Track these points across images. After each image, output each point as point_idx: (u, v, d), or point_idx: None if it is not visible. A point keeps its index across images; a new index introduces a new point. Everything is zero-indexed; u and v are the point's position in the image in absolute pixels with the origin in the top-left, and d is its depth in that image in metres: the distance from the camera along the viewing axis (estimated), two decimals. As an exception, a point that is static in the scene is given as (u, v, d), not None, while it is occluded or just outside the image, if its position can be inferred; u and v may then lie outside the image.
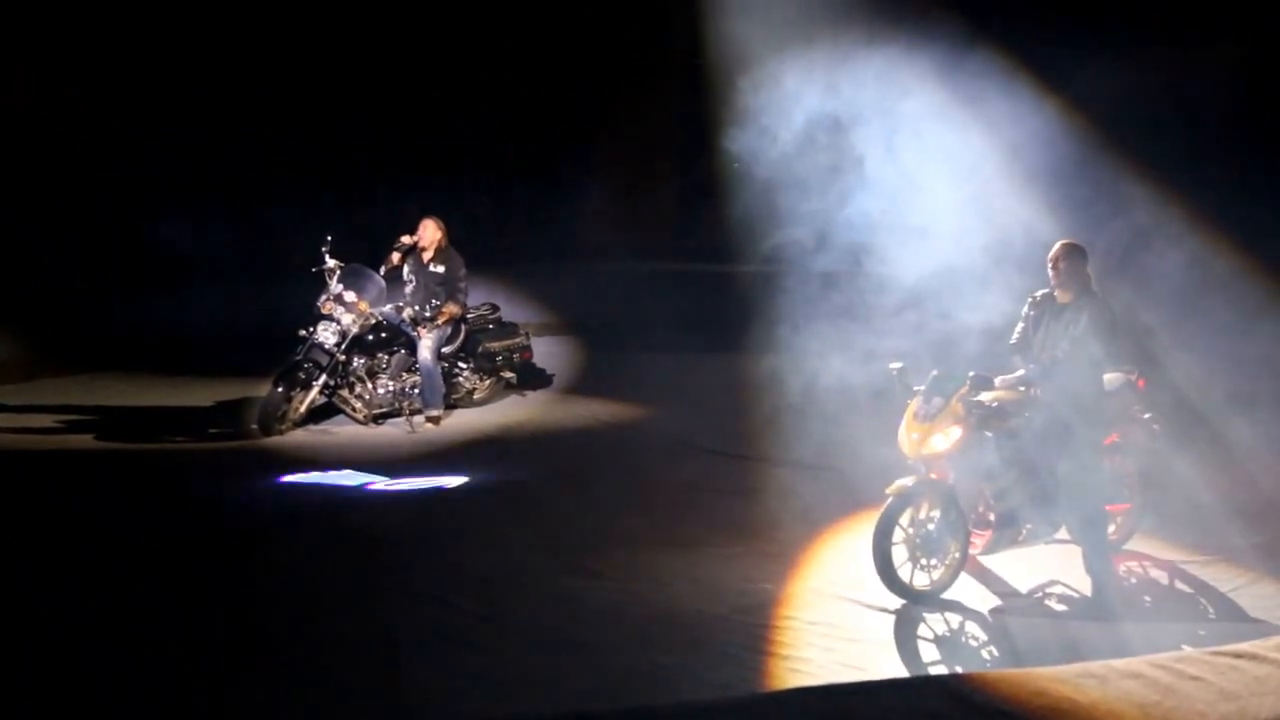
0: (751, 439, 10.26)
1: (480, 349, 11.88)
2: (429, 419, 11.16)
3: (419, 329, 11.23)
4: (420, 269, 11.42)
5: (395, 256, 11.39)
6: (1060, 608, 6.95)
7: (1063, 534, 7.31)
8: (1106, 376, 7.31)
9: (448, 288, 11.33)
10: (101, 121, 17.46)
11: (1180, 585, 7.26)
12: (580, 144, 21.87)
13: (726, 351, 13.56)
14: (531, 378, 12.68)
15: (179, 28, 18.37)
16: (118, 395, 12.36)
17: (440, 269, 11.38)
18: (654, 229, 21.19)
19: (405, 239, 11.43)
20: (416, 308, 11.24)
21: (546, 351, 13.65)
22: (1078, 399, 7.00)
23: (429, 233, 11.43)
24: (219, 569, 7.34)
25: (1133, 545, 7.68)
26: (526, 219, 21.93)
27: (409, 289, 11.45)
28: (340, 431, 10.91)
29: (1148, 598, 7.12)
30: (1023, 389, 7.17)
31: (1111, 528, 7.44)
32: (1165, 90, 13.88)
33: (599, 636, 6.33)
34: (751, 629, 6.45)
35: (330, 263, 11.24)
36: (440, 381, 11.26)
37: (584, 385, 12.95)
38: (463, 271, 11.44)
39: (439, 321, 11.24)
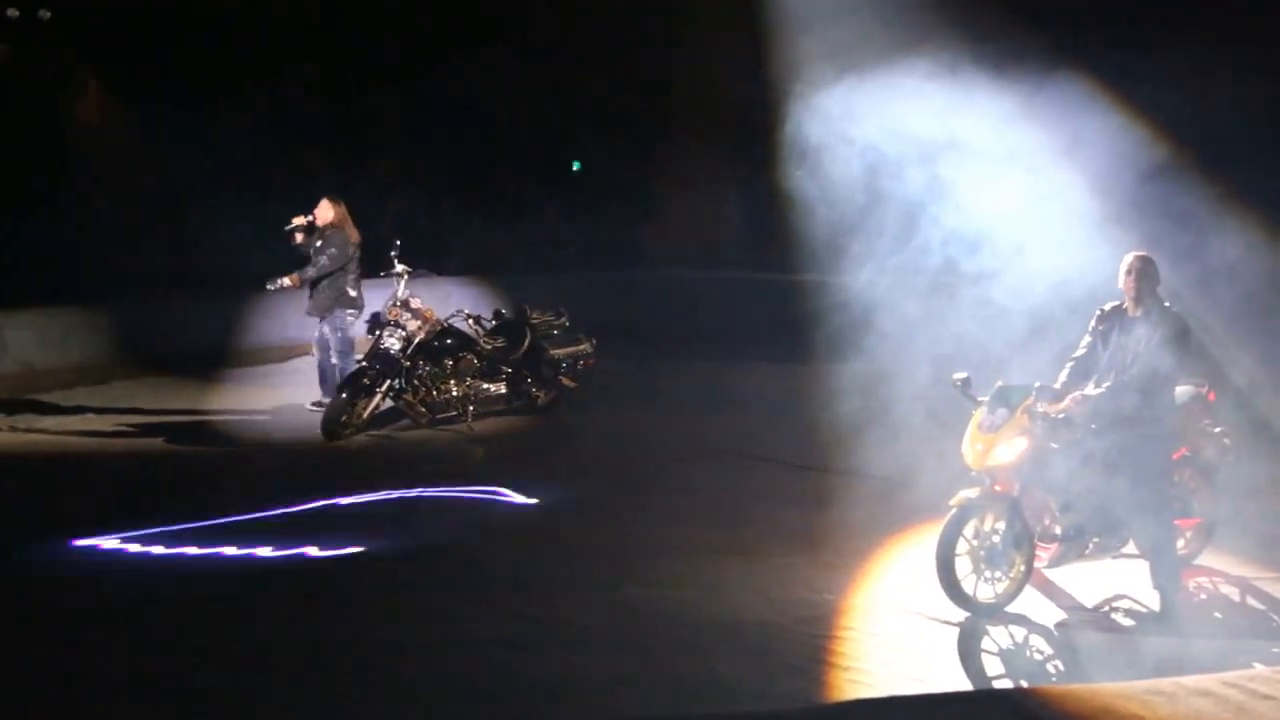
0: (814, 449, 10.21)
1: (545, 356, 11.91)
2: (316, 404, 11.56)
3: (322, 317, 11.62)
4: (312, 245, 11.67)
5: (298, 237, 11.69)
6: (1128, 623, 6.85)
7: (1130, 548, 7.20)
8: (1177, 389, 7.19)
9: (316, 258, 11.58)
10: (175, 128, 17.76)
11: (1252, 601, 7.13)
12: (643, 152, 21.95)
13: (790, 361, 13.51)
14: (595, 386, 12.69)
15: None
16: (186, 399, 12.55)
17: (319, 242, 11.62)
18: (718, 238, 21.18)
19: (297, 220, 11.70)
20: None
21: (609, 360, 13.66)
22: (1147, 412, 6.88)
23: (321, 211, 11.70)
24: (286, 574, 7.44)
25: (1203, 560, 7.55)
26: (589, 226, 22.03)
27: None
28: (403, 437, 10.99)
29: (1218, 614, 6.99)
30: (1089, 399, 7.05)
31: (1181, 542, 7.30)
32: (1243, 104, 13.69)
33: (659, 645, 6.32)
34: (812, 640, 6.42)
35: (398, 268, 11.35)
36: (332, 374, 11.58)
37: (646, 394, 12.95)
38: (333, 250, 11.53)
39: (284, 283, 11.53)
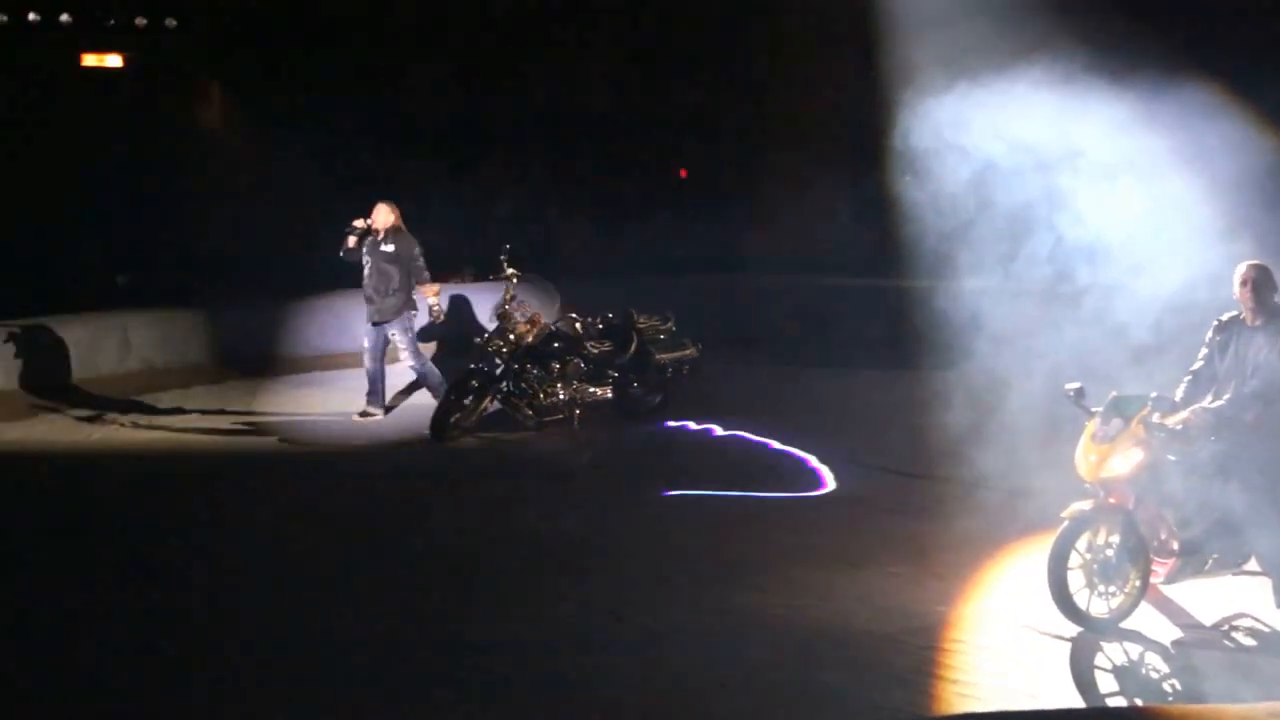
0: (924, 457, 10.09)
1: (651, 360, 11.93)
2: (363, 414, 11.65)
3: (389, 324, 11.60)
4: (373, 249, 11.62)
5: (351, 240, 11.63)
6: (1249, 642, 6.65)
7: (1252, 565, 7.00)
8: (1301, 401, 6.98)
9: (401, 266, 11.53)
10: (294, 133, 18.14)
11: (1381, 624, 6.89)
12: (749, 157, 21.89)
13: (898, 368, 13.38)
14: (699, 392, 12.66)
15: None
16: (299, 400, 12.84)
17: (390, 247, 11.56)
18: (824, 243, 21.01)
19: (358, 223, 11.65)
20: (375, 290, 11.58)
21: (716, 366, 13.64)
22: (1270, 424, 6.70)
23: (381, 215, 11.64)
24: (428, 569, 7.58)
25: (1330, 580, 7.30)
26: (694, 230, 21.99)
27: (365, 271, 11.65)
28: (510, 438, 11.11)
29: (1345, 636, 6.77)
30: (1208, 411, 6.87)
31: (1306, 561, 7.09)
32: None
33: (763, 652, 6.31)
34: (920, 651, 6.35)
35: (507, 271, 11.48)
36: (436, 377, 11.63)
37: (751, 401, 12.91)
38: (416, 250, 11.64)
39: (434, 302, 11.74)
